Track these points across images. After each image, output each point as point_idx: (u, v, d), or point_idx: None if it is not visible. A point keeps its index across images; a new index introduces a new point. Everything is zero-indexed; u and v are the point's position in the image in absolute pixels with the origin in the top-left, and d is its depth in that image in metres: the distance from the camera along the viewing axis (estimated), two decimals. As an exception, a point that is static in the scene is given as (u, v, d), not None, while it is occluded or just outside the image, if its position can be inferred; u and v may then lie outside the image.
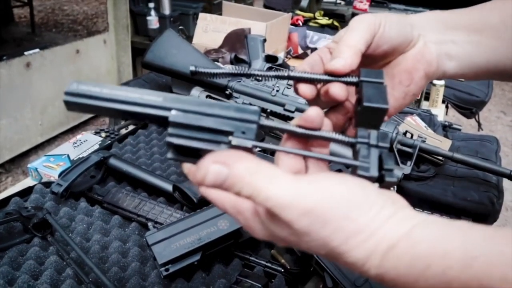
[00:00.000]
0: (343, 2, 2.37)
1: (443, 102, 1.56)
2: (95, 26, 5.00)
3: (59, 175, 0.91)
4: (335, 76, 0.41)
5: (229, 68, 0.42)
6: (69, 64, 2.69)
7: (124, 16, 2.89)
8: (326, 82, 0.41)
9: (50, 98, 2.58)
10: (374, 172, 0.34)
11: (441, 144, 1.07)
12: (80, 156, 1.05)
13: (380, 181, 0.35)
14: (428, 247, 0.30)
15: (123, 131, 1.20)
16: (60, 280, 0.70)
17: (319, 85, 0.42)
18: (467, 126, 2.80)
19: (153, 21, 2.90)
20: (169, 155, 0.37)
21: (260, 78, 0.43)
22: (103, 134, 1.17)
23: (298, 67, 0.45)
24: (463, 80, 1.67)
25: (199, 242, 0.70)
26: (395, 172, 0.36)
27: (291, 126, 0.37)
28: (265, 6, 2.64)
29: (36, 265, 0.72)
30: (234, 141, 0.35)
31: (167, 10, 2.95)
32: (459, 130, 1.30)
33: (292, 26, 1.75)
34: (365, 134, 0.36)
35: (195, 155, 0.37)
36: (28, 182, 1.00)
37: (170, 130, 0.36)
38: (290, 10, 2.17)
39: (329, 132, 0.37)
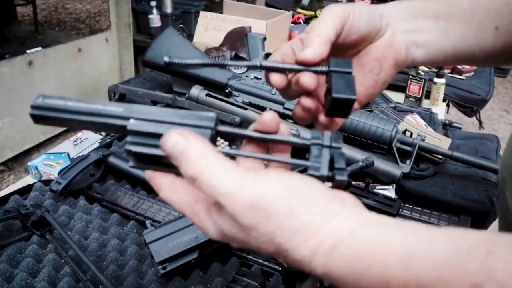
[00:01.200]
0: (344, 1, 2.36)
1: (444, 100, 1.56)
2: (97, 24, 5.01)
3: (59, 173, 0.91)
4: (305, 65, 0.42)
5: (202, 59, 0.42)
6: (71, 63, 2.70)
7: (126, 15, 2.89)
8: (297, 71, 0.42)
9: (52, 96, 2.59)
10: (324, 171, 0.35)
11: (440, 142, 1.07)
12: (80, 154, 1.05)
13: (331, 180, 0.36)
14: (369, 246, 0.30)
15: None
16: (58, 278, 0.70)
17: (290, 75, 0.43)
18: (469, 124, 2.79)
19: (155, 19, 2.90)
20: (130, 163, 0.38)
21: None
22: (103, 133, 1.17)
23: (270, 57, 0.46)
24: (464, 78, 1.66)
25: (196, 240, 0.70)
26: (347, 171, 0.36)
27: (248, 131, 0.38)
28: (267, 4, 2.63)
29: (34, 263, 0.72)
30: None
31: (169, 9, 2.95)
32: (460, 128, 1.29)
33: (293, 25, 1.74)
34: (318, 135, 0.37)
35: (155, 162, 0.37)
36: (28, 180, 1.01)
37: (129, 138, 0.36)
38: (291, 8, 2.17)
39: (284, 136, 0.38)
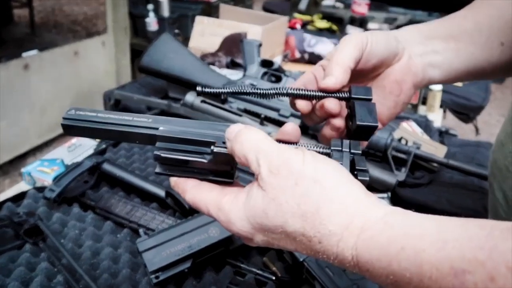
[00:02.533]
0: (341, 6, 2.37)
1: (441, 106, 1.56)
2: (95, 27, 5.00)
3: (53, 180, 0.90)
4: (328, 92, 0.46)
5: (232, 88, 0.46)
6: (67, 66, 2.69)
7: (123, 18, 2.89)
8: (320, 98, 0.46)
9: (49, 100, 2.58)
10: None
11: (436, 150, 1.07)
12: (75, 160, 1.04)
13: None
14: (403, 230, 0.31)
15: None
16: (50, 287, 0.69)
17: (314, 101, 0.47)
18: (467, 130, 2.79)
19: (151, 23, 2.90)
20: (157, 169, 0.41)
21: (258, 90, 0.46)
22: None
23: (294, 84, 0.50)
24: (460, 85, 1.67)
25: (189, 249, 0.69)
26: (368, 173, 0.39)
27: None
28: (264, 9, 2.64)
29: (27, 272, 0.71)
30: (216, 149, 0.39)
31: (166, 12, 2.96)
32: (456, 136, 1.29)
33: (289, 30, 1.74)
34: (338, 143, 0.40)
35: (181, 168, 0.40)
36: (22, 186, 1.00)
37: (158, 144, 0.39)
38: (288, 12, 2.17)
39: (306, 145, 0.40)
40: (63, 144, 1.14)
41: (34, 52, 2.45)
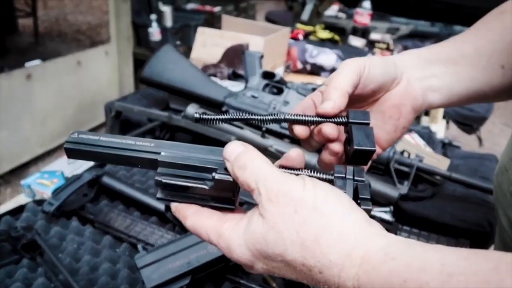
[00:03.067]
0: (344, 16, 2.37)
1: (444, 117, 1.55)
2: (98, 36, 5.03)
3: (52, 193, 0.90)
4: (325, 117, 0.45)
5: (230, 114, 0.45)
6: (70, 76, 2.70)
7: (126, 28, 2.90)
8: (318, 123, 0.46)
9: (51, 110, 2.59)
10: None
11: (439, 163, 1.06)
12: (75, 172, 1.04)
13: None
14: (405, 262, 0.30)
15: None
16: (47, 304, 0.68)
17: (312, 126, 0.47)
18: (471, 140, 2.78)
19: (154, 32, 2.91)
20: (158, 195, 0.41)
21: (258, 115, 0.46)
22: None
23: (293, 111, 0.49)
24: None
25: (188, 266, 0.68)
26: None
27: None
28: (267, 19, 2.64)
29: (23, 287, 0.70)
30: (217, 176, 0.38)
31: (169, 22, 2.97)
32: (459, 147, 1.28)
33: (291, 40, 1.74)
34: (341, 170, 0.40)
35: (182, 194, 0.40)
36: (21, 199, 1.00)
37: (159, 169, 0.39)
38: (291, 23, 2.17)
39: (308, 171, 0.40)
40: (64, 155, 1.13)
41: (37, 62, 2.46)
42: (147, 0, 3.11)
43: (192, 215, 0.40)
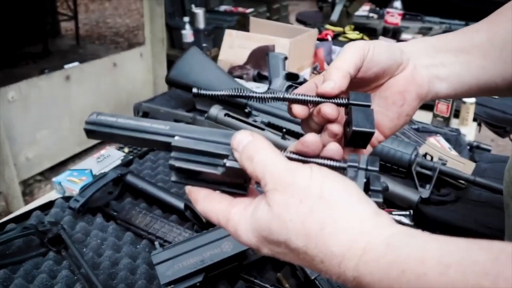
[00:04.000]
0: (375, 16, 2.34)
1: (475, 120, 1.50)
2: (135, 38, 5.18)
3: (79, 190, 0.94)
4: (326, 97, 0.45)
5: (228, 90, 0.46)
6: (106, 77, 2.79)
7: (160, 30, 2.97)
8: (318, 103, 0.45)
9: (88, 110, 2.68)
10: None
11: (464, 167, 1.03)
12: (103, 170, 1.08)
13: None
14: (404, 253, 0.30)
15: (145, 148, 1.24)
16: (69, 295, 0.72)
17: (312, 107, 0.46)
18: (508, 144, 2.67)
19: (187, 34, 2.97)
20: (173, 178, 0.41)
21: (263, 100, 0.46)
22: (126, 150, 1.20)
23: (295, 91, 0.49)
24: (496, 97, 1.60)
25: (201, 263, 0.70)
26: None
27: (288, 153, 0.40)
28: (297, 20, 2.64)
29: (48, 279, 0.74)
30: (228, 163, 0.39)
31: (201, 24, 3.02)
32: (488, 151, 1.24)
33: (318, 42, 1.74)
34: (355, 159, 0.39)
35: (195, 178, 0.41)
36: (52, 195, 1.05)
37: (173, 154, 0.40)
38: (320, 24, 2.17)
39: (321, 159, 0.40)
40: (94, 154, 1.18)
41: (75, 64, 2.57)
42: (181, 3, 3.18)
43: (203, 199, 0.41)
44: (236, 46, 1.58)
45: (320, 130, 0.48)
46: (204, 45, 1.43)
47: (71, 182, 1.04)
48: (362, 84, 0.49)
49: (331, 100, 0.45)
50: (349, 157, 0.39)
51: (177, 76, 1.32)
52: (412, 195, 0.94)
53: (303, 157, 0.40)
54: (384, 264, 0.31)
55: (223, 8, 3.49)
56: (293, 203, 0.34)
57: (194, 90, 0.46)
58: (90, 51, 4.70)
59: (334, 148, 0.40)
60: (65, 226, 0.84)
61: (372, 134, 0.43)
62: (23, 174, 2.41)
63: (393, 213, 0.93)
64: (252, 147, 0.38)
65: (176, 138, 0.40)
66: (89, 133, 0.42)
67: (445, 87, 0.51)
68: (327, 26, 2.09)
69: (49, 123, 2.48)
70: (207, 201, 0.41)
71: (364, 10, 2.33)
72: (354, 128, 0.42)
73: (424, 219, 0.95)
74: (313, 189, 0.34)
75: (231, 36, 1.60)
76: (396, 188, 0.94)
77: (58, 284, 0.73)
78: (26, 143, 2.36)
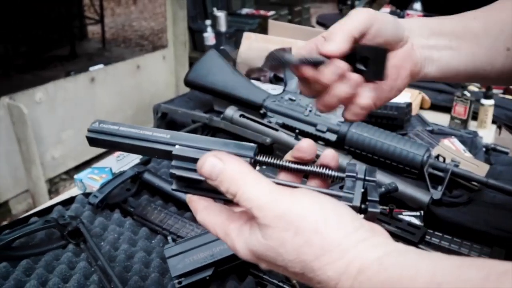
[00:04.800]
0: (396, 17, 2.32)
1: (495, 122, 1.49)
2: (160, 41, 5.27)
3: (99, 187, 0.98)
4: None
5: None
6: (130, 79, 2.87)
7: (183, 33, 3.03)
8: (319, 64, 0.46)
9: (112, 111, 2.76)
10: (357, 203, 0.37)
11: (477, 169, 1.03)
12: (122, 169, 1.12)
13: (364, 212, 0.38)
14: (397, 272, 0.31)
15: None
16: (86, 285, 0.76)
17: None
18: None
19: (209, 37, 3.02)
20: (173, 186, 0.42)
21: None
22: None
23: (298, 51, 0.50)
24: (514, 99, 1.58)
25: (212, 258, 0.73)
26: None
27: (285, 162, 0.41)
28: (318, 22, 2.65)
29: (67, 269, 0.78)
30: None
31: (223, 27, 3.06)
32: (506, 153, 1.23)
33: (336, 44, 1.75)
34: (353, 169, 0.39)
35: (195, 186, 0.41)
36: (74, 191, 1.10)
37: (173, 162, 0.40)
38: (339, 27, 2.17)
39: (320, 167, 0.40)
40: (115, 153, 1.22)
41: (100, 66, 2.64)
42: (203, 6, 3.23)
43: (203, 210, 0.41)
44: (254, 49, 1.61)
45: (322, 91, 0.48)
46: (221, 47, 1.46)
47: (92, 180, 1.08)
48: None
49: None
50: (347, 168, 0.39)
51: (195, 78, 1.36)
52: (423, 196, 0.94)
53: (301, 167, 0.40)
54: (378, 283, 0.31)
55: (245, 11, 3.53)
56: (288, 237, 0.34)
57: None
58: (115, 53, 4.81)
59: (329, 155, 0.40)
60: (85, 220, 0.88)
61: (385, 51, 0.43)
62: (49, 172, 2.49)
63: (404, 213, 0.94)
64: (228, 179, 0.36)
65: (177, 147, 0.40)
66: (92, 141, 0.42)
67: (434, 69, 0.53)
68: (346, 29, 2.09)
69: (74, 123, 2.56)
70: (206, 213, 0.40)
71: (384, 12, 2.32)
72: (363, 43, 0.43)
73: (436, 220, 0.95)
74: (306, 221, 0.34)
75: (249, 39, 1.63)
76: (407, 189, 0.95)
77: (76, 274, 0.77)
78: (52, 143, 2.44)
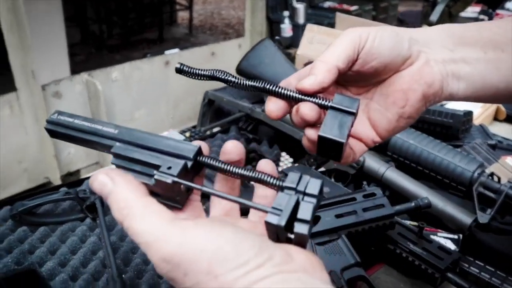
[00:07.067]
0: (486, 18, 2.11)
1: None
2: (244, 30, 5.34)
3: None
4: (306, 95, 0.40)
5: (209, 71, 0.45)
6: (204, 64, 2.92)
7: (260, 23, 3.02)
8: (298, 100, 0.41)
9: (183, 95, 2.84)
10: (282, 221, 0.31)
11: (540, 194, 0.89)
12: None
13: (290, 231, 0.32)
14: None
15: (208, 133, 1.27)
16: (91, 260, 0.77)
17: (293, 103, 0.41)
18: None
19: (286, 29, 2.98)
20: None
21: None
22: (188, 134, 1.24)
23: (284, 80, 0.44)
24: None
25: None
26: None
27: (223, 164, 0.37)
28: (398, 19, 2.50)
29: (78, 242, 0.80)
30: (156, 175, 0.35)
31: (301, 19, 3.00)
32: None
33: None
34: (294, 179, 0.33)
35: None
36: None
37: (112, 160, 0.38)
38: (418, 24, 2.02)
39: (260, 173, 0.36)
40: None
41: (175, 50, 2.72)
42: (283, -3, 3.20)
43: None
44: (315, 42, 1.54)
45: (301, 127, 0.42)
46: (276, 37, 1.41)
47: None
48: (360, 79, 0.44)
49: (311, 99, 0.40)
50: (288, 177, 0.33)
51: (247, 67, 1.33)
52: (465, 217, 0.83)
53: (241, 171, 0.36)
54: None
55: (327, 4, 3.44)
56: (178, 277, 0.29)
57: (177, 65, 0.44)
58: (200, 39, 4.97)
59: (262, 162, 0.37)
60: (106, 196, 0.90)
61: (340, 144, 0.37)
62: (120, 148, 2.63)
63: (438, 234, 0.84)
64: (115, 204, 0.32)
65: (117, 144, 0.38)
66: (50, 133, 0.42)
67: (463, 87, 0.44)
68: (424, 26, 1.94)
69: (147, 103, 2.67)
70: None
71: (474, 11, 2.11)
72: (319, 133, 0.38)
73: (477, 246, 0.84)
74: (198, 263, 0.29)
75: (312, 31, 1.57)
76: (447, 206, 0.84)
77: (85, 248, 0.78)
78: (125, 120, 2.57)
